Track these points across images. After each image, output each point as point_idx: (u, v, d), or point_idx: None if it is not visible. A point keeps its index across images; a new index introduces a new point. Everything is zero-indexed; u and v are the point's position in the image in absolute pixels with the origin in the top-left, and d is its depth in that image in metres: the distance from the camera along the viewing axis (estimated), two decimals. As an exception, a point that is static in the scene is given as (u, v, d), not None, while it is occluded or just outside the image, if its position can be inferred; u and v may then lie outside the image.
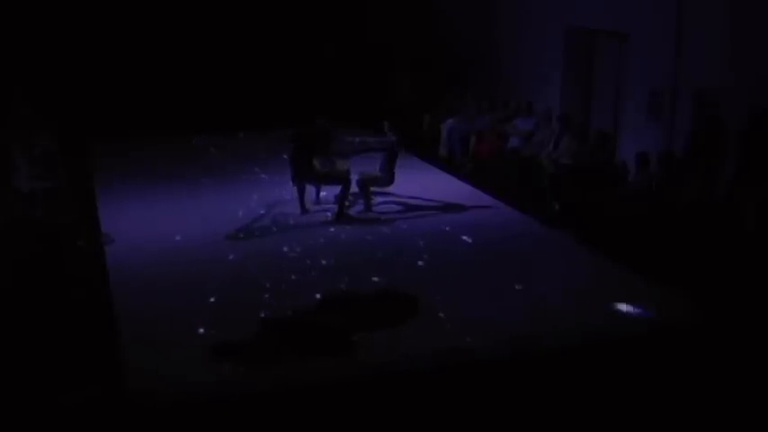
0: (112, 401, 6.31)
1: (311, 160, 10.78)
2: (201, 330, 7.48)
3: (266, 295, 8.31)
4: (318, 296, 8.13)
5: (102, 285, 8.57)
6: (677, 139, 10.47)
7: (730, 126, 9.78)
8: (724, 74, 9.83)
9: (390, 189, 11.57)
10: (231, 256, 9.49)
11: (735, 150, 9.65)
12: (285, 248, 9.76)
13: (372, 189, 11.19)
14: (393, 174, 11.14)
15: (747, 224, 8.65)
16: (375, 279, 8.60)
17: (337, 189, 10.93)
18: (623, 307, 7.94)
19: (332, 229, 10.47)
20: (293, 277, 8.83)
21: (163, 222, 10.79)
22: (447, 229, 10.40)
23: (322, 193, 11.41)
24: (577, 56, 13.08)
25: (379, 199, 11.37)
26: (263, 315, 7.56)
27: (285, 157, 11.49)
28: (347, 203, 11.00)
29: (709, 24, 10.10)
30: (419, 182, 12.39)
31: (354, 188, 10.98)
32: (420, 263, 9.24)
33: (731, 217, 8.76)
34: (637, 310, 7.87)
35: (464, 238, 10.07)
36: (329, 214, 10.89)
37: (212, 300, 8.24)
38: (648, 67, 11.16)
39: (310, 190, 11.27)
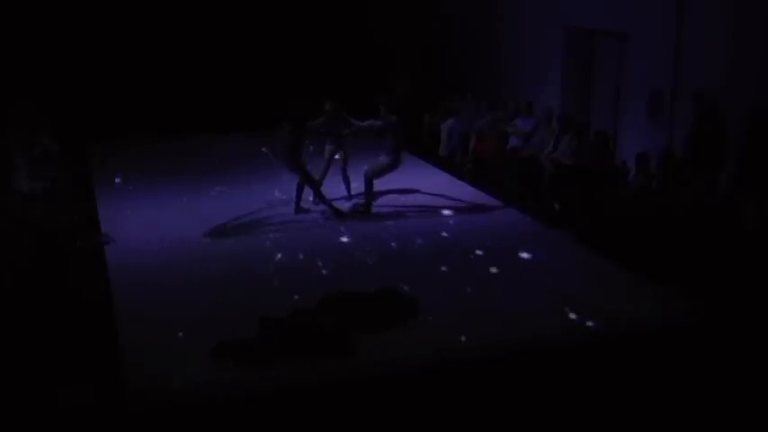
0: (112, 401, 6.31)
1: (294, 145, 10.67)
2: (201, 330, 7.48)
3: (266, 295, 8.31)
4: (318, 296, 8.12)
5: (103, 285, 8.58)
6: (677, 140, 10.47)
7: (730, 126, 9.78)
8: (724, 74, 9.83)
9: (391, 187, 11.58)
10: (230, 256, 9.50)
11: (735, 150, 9.65)
12: (284, 248, 9.76)
13: (377, 183, 11.18)
14: (400, 154, 11.03)
15: (747, 224, 8.65)
16: (375, 279, 8.59)
17: (337, 190, 10.97)
18: (623, 307, 7.94)
19: (331, 229, 10.47)
20: (293, 277, 8.83)
21: (163, 222, 10.80)
22: (446, 229, 10.40)
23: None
24: (577, 56, 13.08)
25: (379, 199, 11.37)
26: (262, 315, 7.54)
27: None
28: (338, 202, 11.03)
29: (709, 24, 10.10)
30: (419, 182, 12.40)
31: (358, 188, 10.95)
32: (419, 263, 9.24)
33: (731, 217, 8.75)
34: (637, 310, 7.87)
35: (464, 238, 10.06)
36: (327, 214, 10.91)
37: (212, 299, 8.24)
38: (648, 67, 11.16)
39: (308, 191, 11.26)
